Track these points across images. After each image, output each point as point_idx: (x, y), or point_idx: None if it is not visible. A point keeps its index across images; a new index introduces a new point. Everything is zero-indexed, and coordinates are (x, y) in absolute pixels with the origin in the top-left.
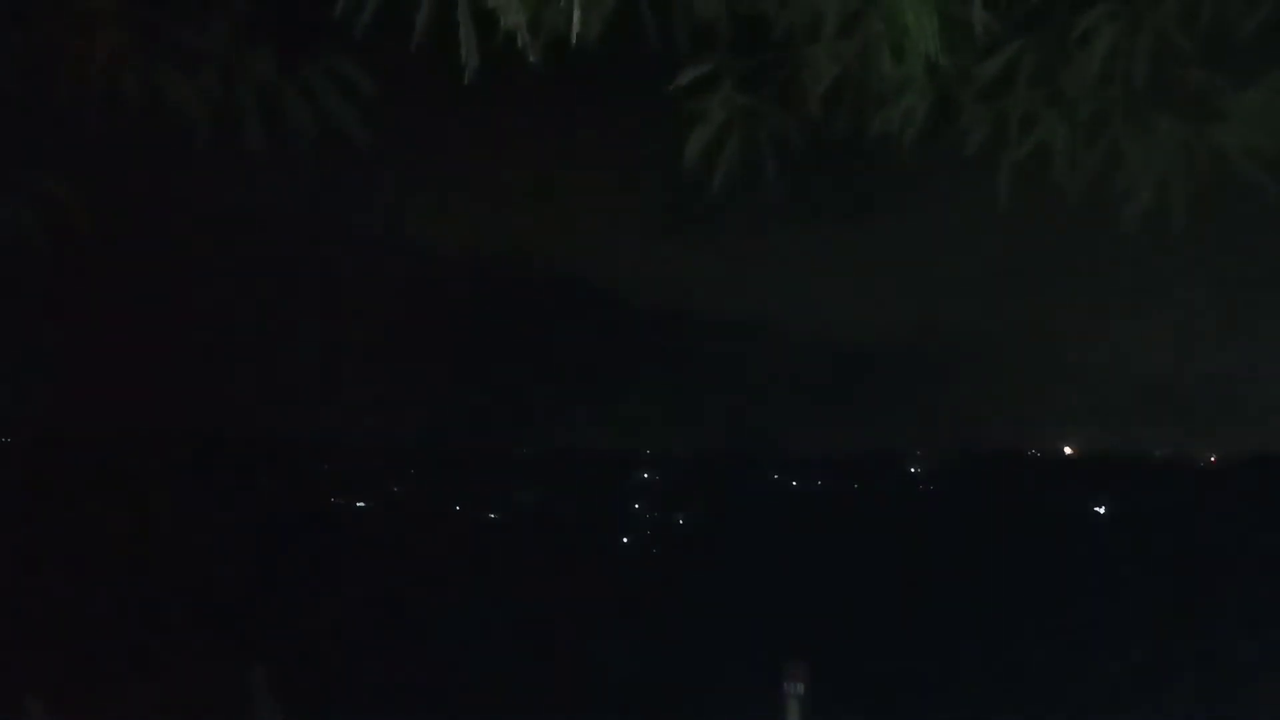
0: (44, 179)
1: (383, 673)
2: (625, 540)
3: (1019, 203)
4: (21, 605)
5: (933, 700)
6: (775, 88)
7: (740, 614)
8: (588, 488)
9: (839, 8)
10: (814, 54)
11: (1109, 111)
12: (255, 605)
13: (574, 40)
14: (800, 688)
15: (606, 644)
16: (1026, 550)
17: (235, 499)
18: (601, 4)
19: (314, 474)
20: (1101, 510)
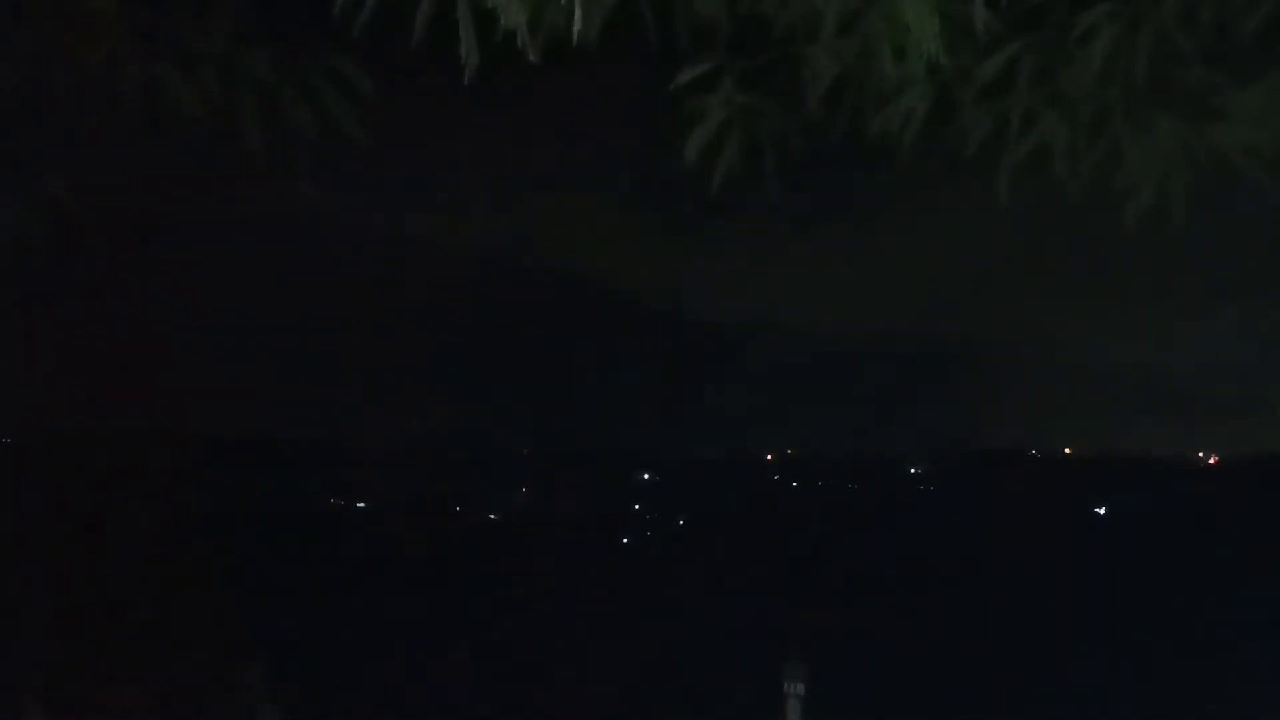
0: (43, 179)
1: (382, 673)
2: (625, 540)
3: (1019, 203)
4: (20, 606)
5: (932, 701)
6: (775, 87)
7: (740, 614)
8: (588, 488)
9: (839, 7)
10: (814, 53)
11: (1109, 111)
12: (254, 606)
13: (575, 39)
14: (800, 688)
15: (607, 644)
16: (1026, 551)
17: (235, 499)
18: (601, 3)
19: (313, 474)
20: (1102, 511)
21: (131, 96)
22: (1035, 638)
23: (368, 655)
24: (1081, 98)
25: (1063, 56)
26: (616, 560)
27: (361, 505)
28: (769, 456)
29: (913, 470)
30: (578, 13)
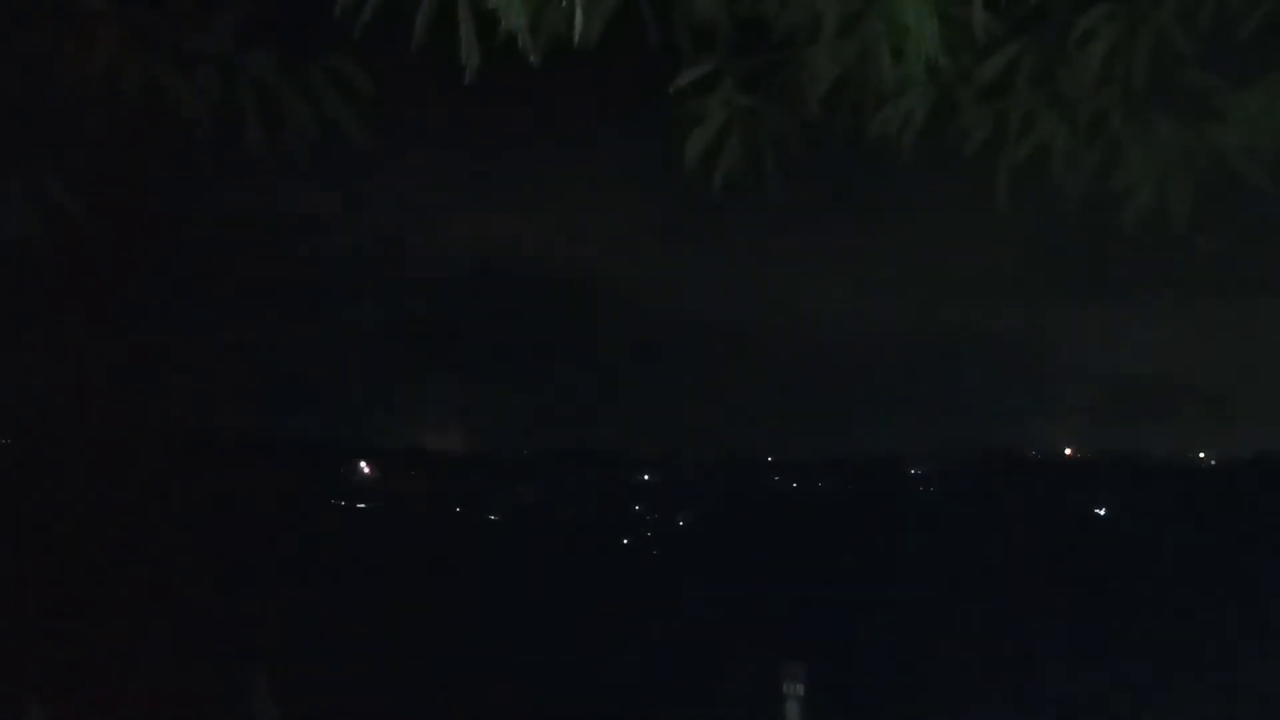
0: (43, 180)
1: (383, 674)
2: (626, 541)
3: (1019, 204)
4: (21, 607)
5: (932, 701)
6: (775, 88)
7: (741, 615)
8: (589, 489)
9: (839, 8)
10: (814, 54)
11: (1109, 112)
12: (255, 606)
13: (576, 41)
14: (800, 689)
15: (607, 645)
16: (1027, 551)
17: (237, 500)
18: (602, 4)
19: (315, 475)
20: (1101, 512)
21: (131, 97)
22: (1035, 638)
23: (368, 655)
24: (1081, 99)
25: (1062, 57)
26: (617, 561)
27: (362, 506)
28: (769, 457)
29: (913, 471)
30: (579, 14)
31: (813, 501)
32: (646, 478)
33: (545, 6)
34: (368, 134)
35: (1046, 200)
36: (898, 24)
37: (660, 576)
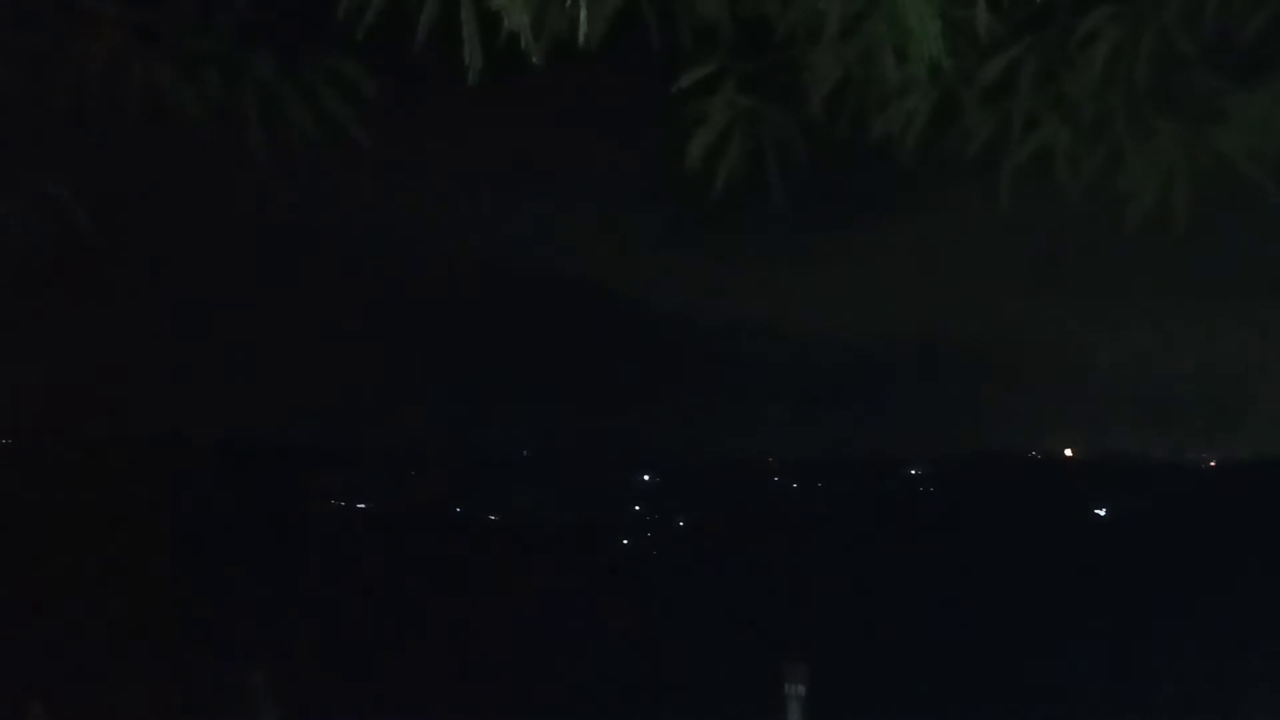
0: (45, 181)
1: (383, 675)
2: (625, 542)
3: (1021, 205)
4: (21, 608)
5: (933, 702)
6: (778, 90)
7: (741, 616)
8: (588, 489)
9: (841, 10)
10: (816, 56)
11: (1111, 114)
12: (255, 608)
13: (581, 42)
14: (801, 689)
15: (607, 645)
16: (1027, 552)
17: (236, 501)
18: (604, 6)
19: (314, 476)
20: (1102, 512)
21: (133, 98)
22: (1035, 639)
23: (369, 656)
24: (1083, 101)
25: (1065, 59)
26: (616, 562)
27: (362, 506)
28: (770, 458)
29: (913, 472)
30: (582, 15)
31: (813, 502)
32: (646, 478)
33: (548, 7)
34: (370, 136)
35: (1049, 201)
36: (901, 25)
37: (660, 577)
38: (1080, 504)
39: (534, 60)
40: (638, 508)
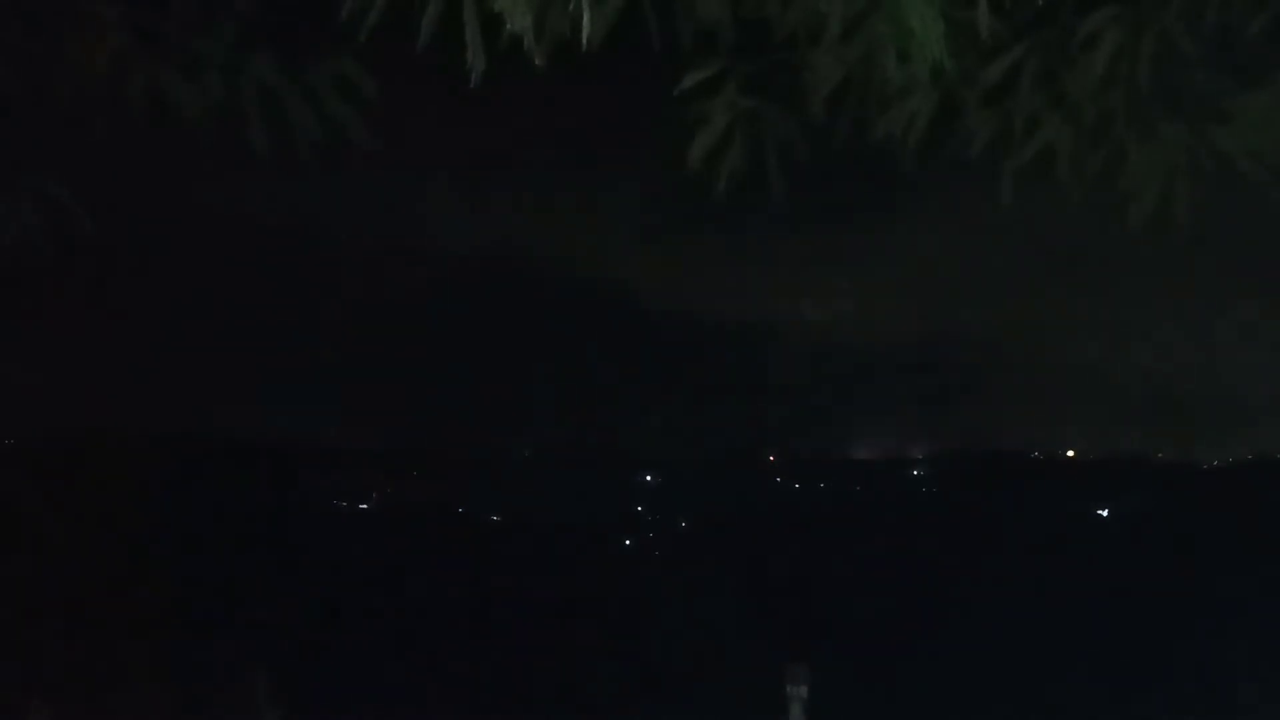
0: (47, 182)
1: (385, 675)
2: (628, 542)
3: (1023, 206)
4: (23, 610)
5: (935, 703)
6: (779, 91)
7: (743, 616)
8: (590, 489)
9: (842, 10)
10: (818, 57)
11: (1113, 114)
12: (257, 609)
13: (584, 44)
14: (803, 690)
15: (609, 646)
16: (1029, 553)
17: (237, 502)
18: (606, 7)
19: (316, 476)
20: (1104, 513)
21: (135, 99)
22: (1037, 640)
23: (370, 657)
24: (1085, 101)
25: (1067, 60)
26: (619, 562)
27: (364, 507)
28: (771, 458)
29: (915, 472)
30: (585, 17)
31: (815, 502)
32: (648, 478)
33: (550, 9)
34: (371, 136)
35: (1052, 202)
36: (902, 26)
37: (662, 577)
38: (1083, 504)
39: (536, 62)
40: (639, 508)
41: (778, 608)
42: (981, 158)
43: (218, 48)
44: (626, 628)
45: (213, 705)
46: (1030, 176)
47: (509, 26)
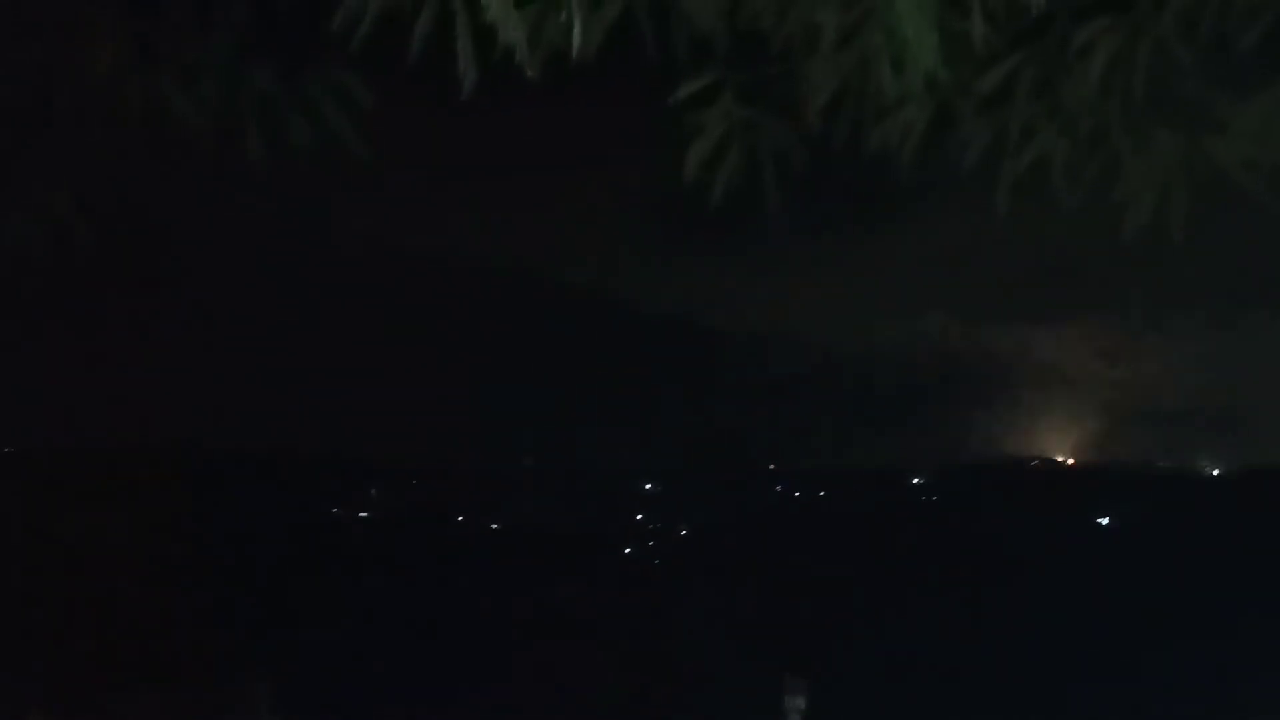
0: (45, 191)
1: (385, 681)
2: (627, 551)
3: (1020, 214)
4: (25, 616)
5: (935, 712)
6: (774, 100)
7: (742, 625)
8: (590, 498)
9: (837, 21)
10: (813, 66)
11: (1108, 124)
12: (258, 616)
13: (575, 54)
14: (800, 701)
15: (609, 653)
16: (1029, 561)
17: (238, 511)
18: (600, 17)
19: (316, 485)
20: (1104, 521)
21: (133, 108)
22: (1037, 648)
23: (371, 663)
24: (1080, 111)
25: (1062, 70)
26: (619, 570)
27: (364, 515)
28: (771, 466)
29: (915, 480)
30: (576, 28)
31: (814, 511)
32: (648, 487)
33: (543, 20)
34: (366, 145)
35: (1049, 211)
36: (897, 36)
37: (662, 586)
38: (1083, 512)
39: (529, 73)
40: (640, 516)
41: (777, 616)
42: (977, 167)
43: (216, 58)
44: (626, 635)
45: (215, 710)
46: (1027, 186)
47: (502, 37)
